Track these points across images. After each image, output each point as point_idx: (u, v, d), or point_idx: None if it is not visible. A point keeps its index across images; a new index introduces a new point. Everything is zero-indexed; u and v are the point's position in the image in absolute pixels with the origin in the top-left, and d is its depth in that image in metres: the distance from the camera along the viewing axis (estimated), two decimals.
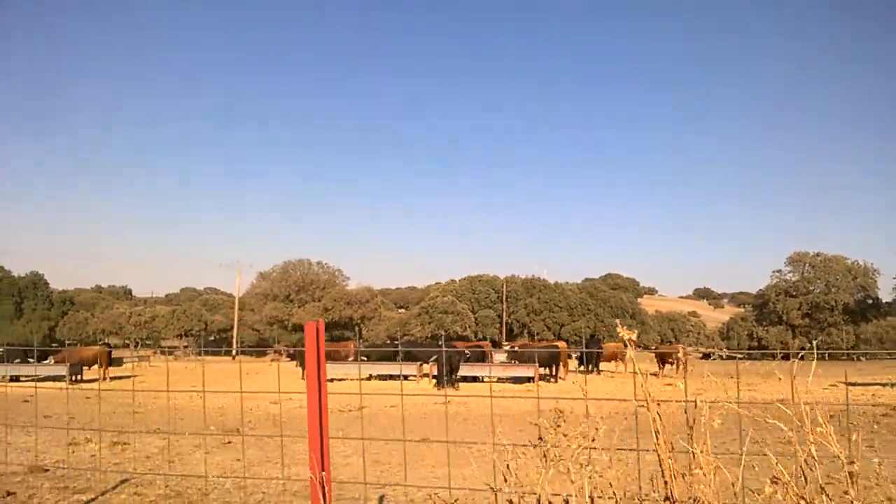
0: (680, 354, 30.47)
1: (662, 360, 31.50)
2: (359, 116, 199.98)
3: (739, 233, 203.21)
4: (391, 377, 27.23)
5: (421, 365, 26.86)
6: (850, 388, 23.39)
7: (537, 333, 72.59)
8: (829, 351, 51.82)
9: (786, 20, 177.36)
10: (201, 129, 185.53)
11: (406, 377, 27.36)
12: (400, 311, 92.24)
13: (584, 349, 31.42)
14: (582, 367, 30.72)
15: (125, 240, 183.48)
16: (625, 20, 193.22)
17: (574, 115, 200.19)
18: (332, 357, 29.64)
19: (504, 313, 72.40)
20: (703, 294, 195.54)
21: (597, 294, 77.45)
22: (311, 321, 3.73)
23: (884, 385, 23.38)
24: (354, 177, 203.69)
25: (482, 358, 27.74)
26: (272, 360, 51.58)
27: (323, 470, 3.60)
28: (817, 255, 63.06)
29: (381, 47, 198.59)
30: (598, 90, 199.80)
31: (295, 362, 36.03)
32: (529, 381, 25.53)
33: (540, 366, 26.87)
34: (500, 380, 26.31)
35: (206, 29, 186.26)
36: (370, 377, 27.54)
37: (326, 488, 3.30)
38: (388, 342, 35.63)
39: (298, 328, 62.26)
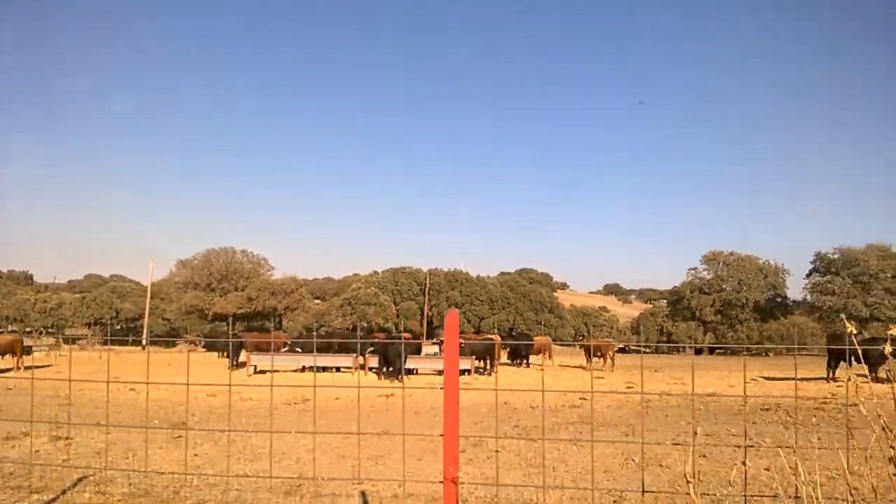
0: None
1: (590, 353, 32.12)
2: (276, 99, 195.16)
3: (649, 231, 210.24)
4: (324, 369, 26.77)
5: (357, 357, 26.48)
6: (771, 382, 24.49)
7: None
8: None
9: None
10: (113, 111, 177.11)
11: (338, 369, 26.96)
12: (316, 301, 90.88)
13: (515, 343, 31.77)
14: (515, 361, 31.08)
15: (25, 222, 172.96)
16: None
17: (482, 114, 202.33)
18: (262, 348, 28.88)
19: (426, 305, 72.49)
20: (612, 290, 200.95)
21: (517, 288, 78.68)
22: (452, 310, 3.43)
23: (802, 380, 24.52)
24: (275, 165, 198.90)
25: (417, 350, 27.65)
26: (189, 351, 49.89)
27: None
28: (731, 254, 66.31)
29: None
30: (514, 87, 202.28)
31: (218, 353, 34.84)
32: (466, 374, 25.61)
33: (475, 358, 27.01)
34: (439, 372, 26.23)
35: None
36: (303, 369, 26.93)
37: (455, 488, 3.08)
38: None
39: (218, 317, 60.39)
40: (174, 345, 58.10)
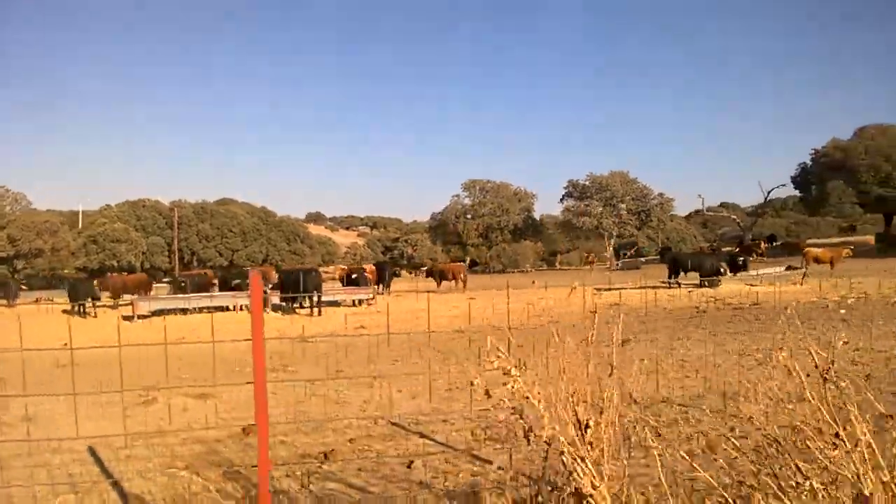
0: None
1: (441, 276, 33.94)
2: None
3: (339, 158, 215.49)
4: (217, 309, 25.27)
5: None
6: (605, 293, 28.11)
7: (209, 261, 69.72)
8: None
9: None
10: None
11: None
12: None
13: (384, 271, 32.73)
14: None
15: None
16: None
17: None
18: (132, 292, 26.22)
19: (176, 240, 67.58)
20: (313, 218, 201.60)
21: (268, 219, 76.87)
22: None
23: (656, 287, 29.05)
24: None
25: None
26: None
27: None
28: (488, 181, 72.14)
29: None
30: None
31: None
32: (364, 303, 26.45)
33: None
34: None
35: None
36: (185, 311, 25.00)
37: None
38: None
39: None
40: None
